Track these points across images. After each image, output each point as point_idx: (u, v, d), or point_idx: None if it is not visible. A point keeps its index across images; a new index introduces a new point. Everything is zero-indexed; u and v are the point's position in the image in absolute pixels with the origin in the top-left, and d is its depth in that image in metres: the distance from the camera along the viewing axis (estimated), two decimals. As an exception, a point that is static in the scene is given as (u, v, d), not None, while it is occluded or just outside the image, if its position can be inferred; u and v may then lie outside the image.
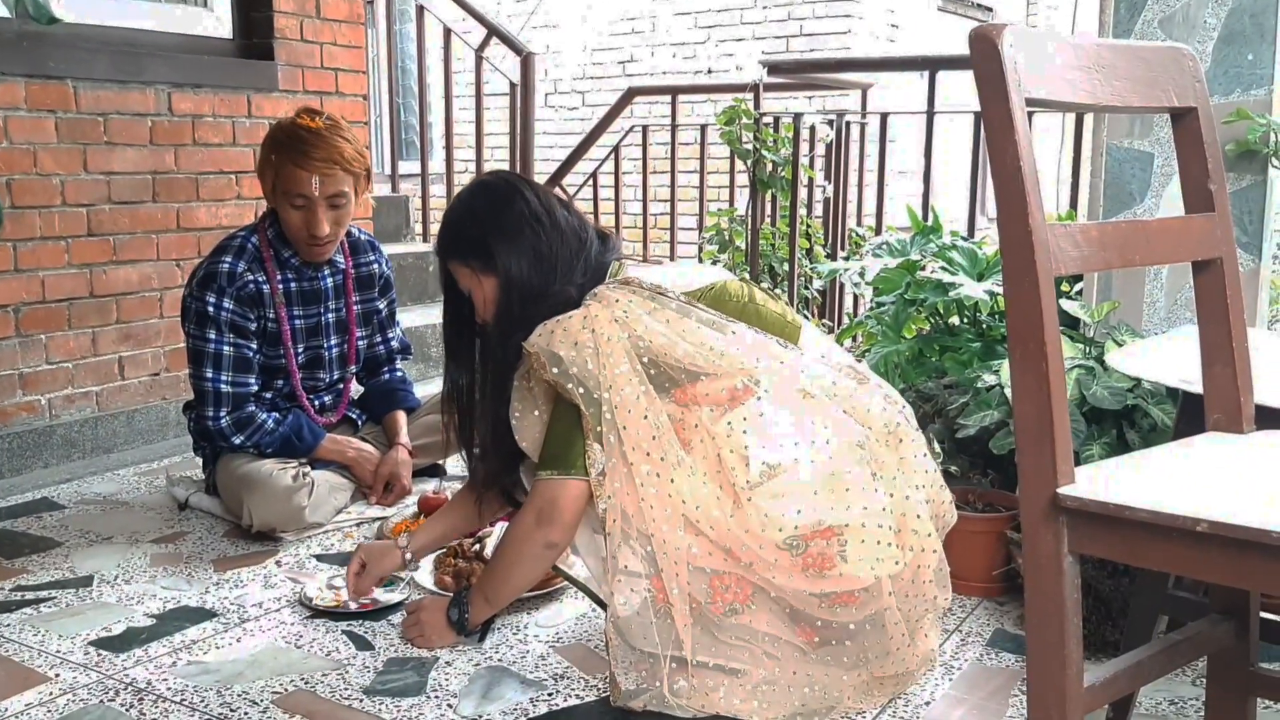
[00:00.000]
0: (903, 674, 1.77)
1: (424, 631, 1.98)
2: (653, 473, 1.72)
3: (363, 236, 2.83)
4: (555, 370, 1.75)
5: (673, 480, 1.71)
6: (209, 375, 2.55)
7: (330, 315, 2.75)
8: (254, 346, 2.61)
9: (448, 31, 4.87)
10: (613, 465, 1.73)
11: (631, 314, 1.78)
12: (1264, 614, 1.37)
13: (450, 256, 1.97)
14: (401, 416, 2.87)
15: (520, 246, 1.89)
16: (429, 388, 3.48)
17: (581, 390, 1.74)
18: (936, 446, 2.32)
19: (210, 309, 2.53)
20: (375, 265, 2.84)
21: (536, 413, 1.83)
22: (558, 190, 2.06)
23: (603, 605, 1.86)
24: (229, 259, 2.58)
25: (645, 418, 1.73)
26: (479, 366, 1.99)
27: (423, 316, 4.27)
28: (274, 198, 2.58)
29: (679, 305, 1.81)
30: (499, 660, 1.92)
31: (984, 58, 1.12)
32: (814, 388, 1.77)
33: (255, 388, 2.62)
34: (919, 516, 1.75)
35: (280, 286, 2.63)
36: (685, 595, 1.70)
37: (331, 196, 2.54)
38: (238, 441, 2.57)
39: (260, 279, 2.60)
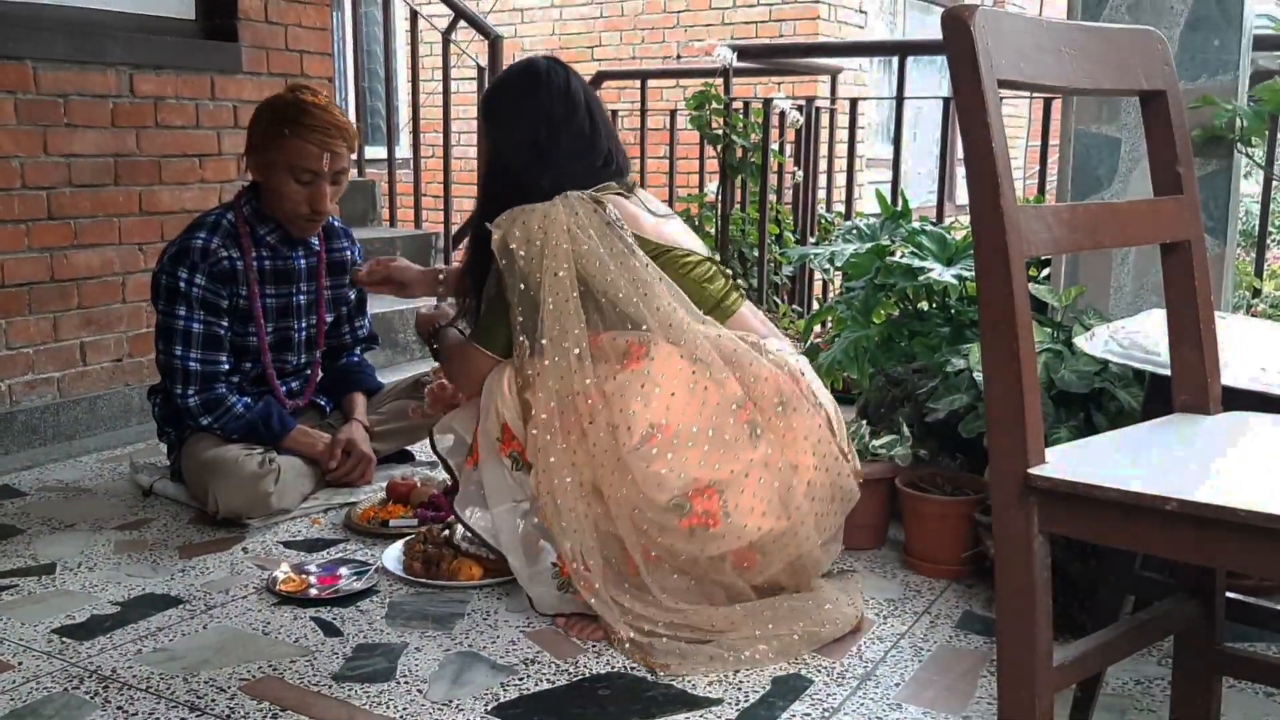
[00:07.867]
0: (821, 634, 1.89)
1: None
2: (574, 372, 1.83)
3: (336, 223, 2.82)
4: (504, 262, 1.88)
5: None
6: (179, 352, 2.52)
7: (302, 297, 2.73)
8: (225, 324, 2.58)
9: (414, 14, 4.82)
10: (554, 360, 1.85)
11: (584, 230, 1.88)
12: (1230, 593, 1.38)
13: (480, 108, 2.15)
14: (360, 397, 2.86)
15: (518, 133, 2.01)
16: (397, 374, 3.46)
17: (522, 286, 1.86)
18: (906, 430, 2.33)
19: (181, 284, 2.51)
20: (348, 253, 2.83)
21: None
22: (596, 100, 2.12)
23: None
24: (203, 235, 2.55)
25: (568, 312, 1.86)
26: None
27: (390, 303, 4.22)
28: (269, 172, 2.56)
29: (626, 244, 1.90)
30: (470, 646, 1.91)
31: (956, 38, 1.11)
32: (706, 355, 1.85)
33: (226, 366, 2.59)
34: (803, 496, 1.86)
35: (255, 263, 2.61)
36: (604, 565, 1.86)
37: (337, 173, 2.58)
38: (205, 422, 2.54)
39: (234, 255, 2.58)
